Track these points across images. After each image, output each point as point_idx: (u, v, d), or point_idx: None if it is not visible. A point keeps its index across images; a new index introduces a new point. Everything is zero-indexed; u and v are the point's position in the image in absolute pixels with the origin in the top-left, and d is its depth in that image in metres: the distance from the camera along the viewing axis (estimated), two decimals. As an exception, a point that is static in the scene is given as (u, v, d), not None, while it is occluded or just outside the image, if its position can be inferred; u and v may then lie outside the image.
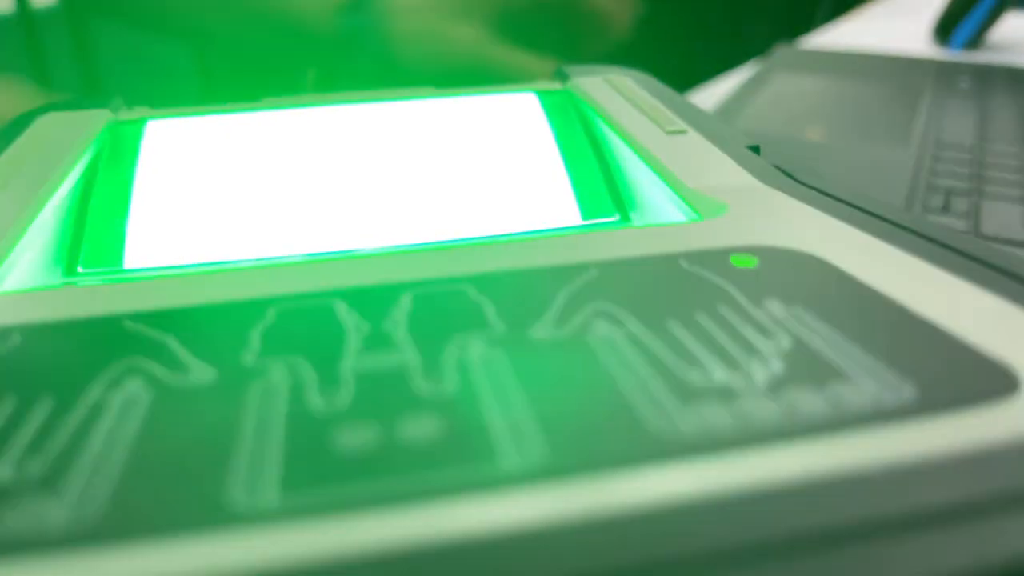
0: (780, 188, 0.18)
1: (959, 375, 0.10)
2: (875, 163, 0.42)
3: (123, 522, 0.08)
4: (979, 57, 0.63)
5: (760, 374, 0.10)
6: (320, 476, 0.09)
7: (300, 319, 0.12)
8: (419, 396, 0.10)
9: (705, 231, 0.15)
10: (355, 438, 0.09)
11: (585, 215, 0.21)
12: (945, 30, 0.67)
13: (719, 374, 0.10)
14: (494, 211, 0.21)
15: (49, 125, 0.24)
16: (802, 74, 0.57)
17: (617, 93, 0.25)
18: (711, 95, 0.54)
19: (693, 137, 0.21)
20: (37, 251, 0.18)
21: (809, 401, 0.10)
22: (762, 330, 0.11)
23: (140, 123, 0.24)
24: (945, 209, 0.37)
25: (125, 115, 0.25)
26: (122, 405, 0.10)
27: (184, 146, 0.23)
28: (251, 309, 0.13)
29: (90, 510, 0.08)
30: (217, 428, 0.10)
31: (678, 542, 0.08)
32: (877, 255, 0.14)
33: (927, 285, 0.13)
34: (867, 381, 0.10)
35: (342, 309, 0.13)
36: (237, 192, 0.21)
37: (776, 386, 0.10)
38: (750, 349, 0.11)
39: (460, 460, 0.09)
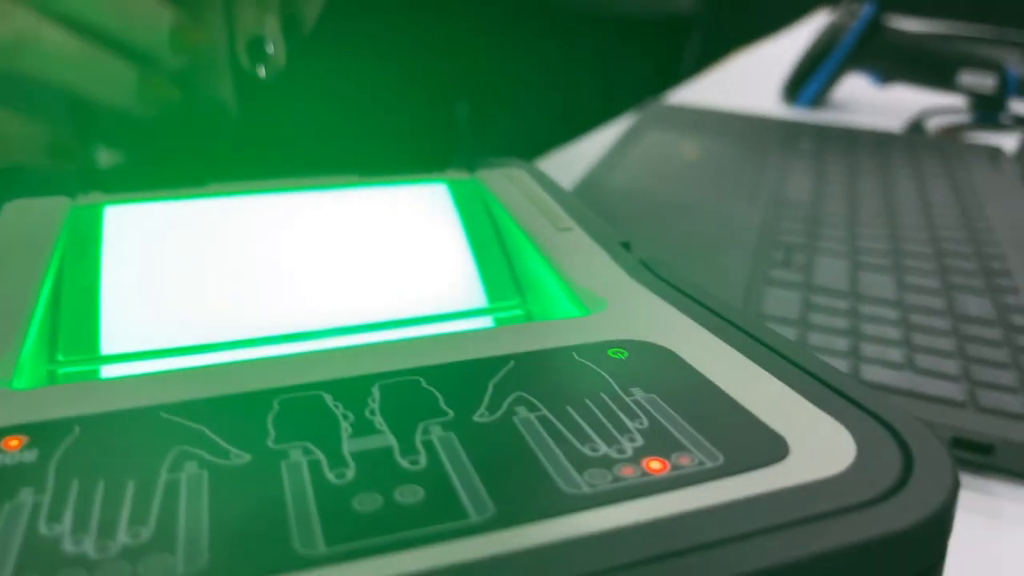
0: (644, 284, 0.23)
1: (752, 445, 0.16)
2: (729, 220, 0.49)
3: (227, 570, 0.12)
4: (820, 116, 0.73)
5: (628, 446, 0.16)
6: (350, 532, 0.13)
7: (300, 409, 0.17)
8: (405, 470, 0.15)
9: (590, 326, 0.21)
10: (367, 503, 0.14)
11: (490, 299, 0.26)
12: (793, 89, 0.76)
13: (602, 447, 0.16)
14: (411, 295, 0.25)
15: (18, 214, 0.27)
16: (669, 132, 0.64)
17: (516, 188, 0.30)
18: (590, 147, 0.60)
19: (578, 234, 0.26)
20: (27, 342, 0.21)
21: (658, 466, 0.15)
22: (630, 413, 0.17)
23: (99, 209, 0.27)
24: (786, 263, 0.44)
25: (83, 200, 0.28)
26: (189, 482, 0.15)
27: (139, 231, 0.26)
28: (259, 400, 0.17)
29: (200, 562, 0.13)
30: (268, 499, 0.14)
31: (578, 565, 0.13)
32: (708, 347, 0.20)
33: (740, 373, 0.18)
34: (695, 451, 0.16)
35: (329, 399, 0.17)
36: (190, 277, 0.25)
37: (638, 455, 0.15)
38: (621, 427, 0.16)
39: (443, 518, 0.14)
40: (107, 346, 0.23)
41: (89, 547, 0.13)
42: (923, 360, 0.34)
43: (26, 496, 0.14)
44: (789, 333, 0.36)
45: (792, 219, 0.49)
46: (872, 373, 0.33)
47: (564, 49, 0.94)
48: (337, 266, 0.26)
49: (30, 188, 0.28)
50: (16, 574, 0.12)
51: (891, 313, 0.38)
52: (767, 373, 0.18)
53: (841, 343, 0.35)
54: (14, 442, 0.16)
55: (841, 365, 0.34)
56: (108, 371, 0.22)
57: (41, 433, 0.16)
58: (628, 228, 0.46)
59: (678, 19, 1.12)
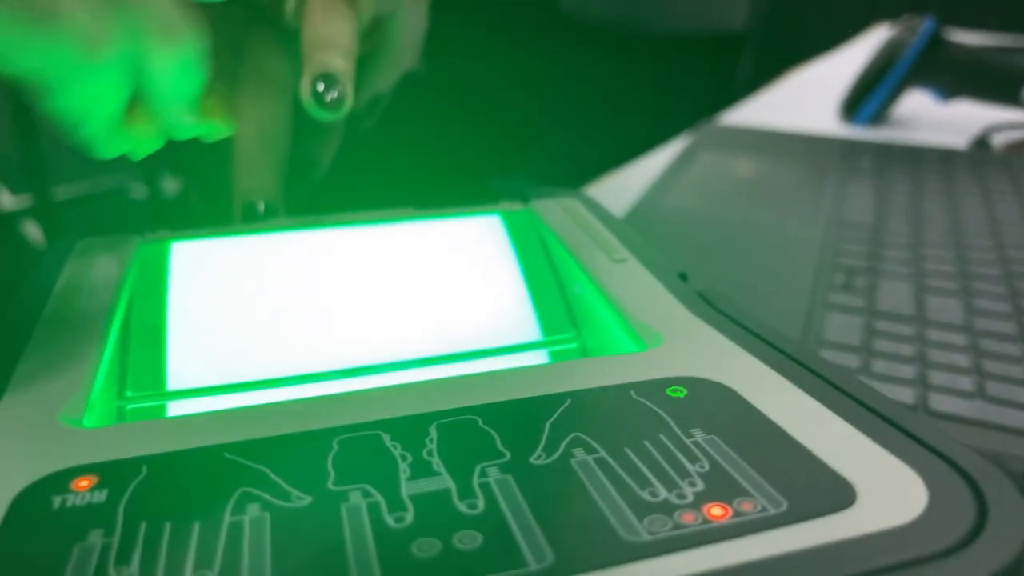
0: (702, 317, 0.23)
1: (818, 491, 0.15)
2: (788, 243, 0.48)
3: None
4: (880, 135, 0.71)
5: (689, 492, 0.15)
6: None
7: (358, 449, 0.17)
8: (463, 514, 0.15)
9: (647, 362, 0.20)
10: (425, 549, 0.14)
11: (545, 332, 0.26)
12: (851, 107, 0.75)
13: (662, 492, 0.15)
14: (466, 328, 0.26)
15: (89, 252, 0.28)
16: (724, 153, 0.63)
17: (569, 218, 0.30)
18: (645, 170, 0.60)
19: (633, 265, 0.26)
20: (97, 379, 0.22)
21: (720, 512, 0.15)
22: (689, 455, 0.17)
23: (165, 245, 0.28)
24: (847, 287, 0.43)
25: (150, 237, 0.29)
26: (251, 524, 0.15)
27: (203, 267, 0.27)
28: (319, 439, 0.17)
29: None
30: (328, 544, 0.14)
31: None
32: (771, 386, 0.19)
33: (804, 414, 0.18)
34: (758, 496, 0.15)
35: (387, 439, 0.17)
36: (255, 312, 0.25)
37: (699, 501, 0.15)
38: (681, 470, 0.16)
39: (502, 566, 0.13)
40: (173, 382, 0.23)
41: None
42: (995, 388, 0.33)
43: (95, 538, 0.14)
44: (851, 360, 0.35)
45: (853, 241, 0.48)
46: (940, 402, 0.32)
47: (615, 71, 0.94)
48: (395, 300, 0.26)
49: (100, 226, 0.29)
50: None
51: (960, 339, 0.37)
52: (833, 413, 0.18)
53: (907, 371, 0.34)
54: (84, 482, 0.16)
55: (907, 394, 0.33)
56: (174, 407, 0.23)
57: (110, 473, 0.16)
58: (683, 253, 0.46)
59: (731, 38, 1.11)
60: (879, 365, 0.35)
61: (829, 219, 0.51)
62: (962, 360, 0.35)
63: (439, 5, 0.39)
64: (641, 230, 0.29)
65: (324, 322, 0.25)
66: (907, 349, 0.36)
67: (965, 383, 0.34)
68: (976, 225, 0.50)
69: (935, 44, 0.69)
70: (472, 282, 0.27)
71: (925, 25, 0.69)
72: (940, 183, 0.57)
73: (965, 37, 0.73)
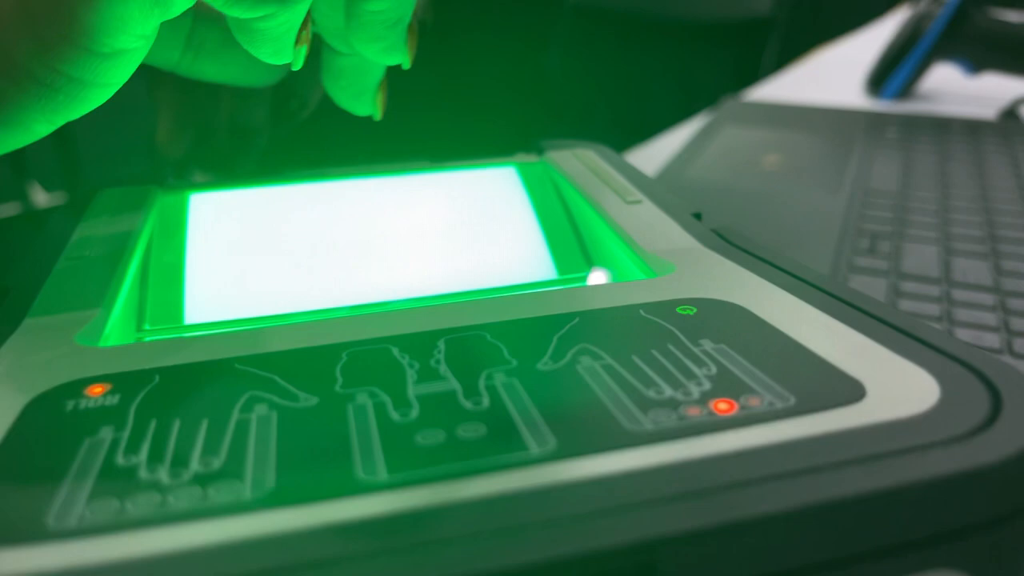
0: (716, 250, 0.23)
1: (826, 387, 0.15)
2: (811, 210, 0.48)
3: (292, 492, 0.13)
4: (907, 107, 0.70)
5: (695, 390, 0.15)
6: (412, 462, 0.13)
7: (367, 359, 0.17)
8: (468, 410, 0.15)
9: (657, 287, 0.20)
10: (429, 438, 0.14)
11: (560, 272, 0.26)
12: (877, 81, 0.74)
13: (667, 391, 0.15)
14: (481, 270, 0.26)
15: (110, 200, 0.28)
16: (747, 127, 0.63)
17: (584, 166, 0.30)
18: (666, 145, 0.59)
19: (648, 206, 0.26)
20: (114, 310, 0.22)
21: (726, 407, 0.15)
22: (697, 361, 0.16)
23: (184, 195, 0.29)
24: (871, 251, 0.42)
25: (171, 189, 0.29)
26: (258, 421, 0.15)
27: (221, 214, 0.27)
28: (329, 352, 0.17)
29: (267, 487, 0.13)
30: (333, 435, 0.14)
31: (637, 496, 0.12)
32: (781, 303, 0.19)
33: (812, 325, 0.18)
34: (765, 393, 0.15)
35: (396, 351, 0.17)
36: (273, 253, 0.26)
37: (705, 397, 0.15)
38: (688, 373, 0.16)
39: (504, 450, 0.13)
40: (191, 317, 0.23)
41: (163, 475, 0.13)
42: (1022, 345, 0.32)
43: (106, 433, 0.15)
44: (875, 317, 0.35)
45: (878, 207, 0.48)
46: (966, 356, 0.32)
47: (645, 55, 0.94)
48: (409, 244, 0.26)
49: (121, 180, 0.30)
50: (92, 497, 0.13)
51: (987, 299, 0.36)
52: (844, 325, 0.18)
53: (932, 327, 0.34)
54: (98, 389, 0.16)
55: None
56: None
57: (123, 381, 0.17)
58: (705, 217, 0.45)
59: (756, 22, 1.10)
60: (903, 321, 0.34)
61: (854, 187, 0.51)
62: (990, 319, 0.35)
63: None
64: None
65: (341, 263, 0.25)
66: (933, 308, 0.36)
67: (992, 340, 0.33)
68: (1004, 192, 0.49)
69: (961, 16, 0.68)
70: (486, 228, 0.27)
71: (951, -3, 0.68)
72: (967, 152, 0.56)
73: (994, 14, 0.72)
